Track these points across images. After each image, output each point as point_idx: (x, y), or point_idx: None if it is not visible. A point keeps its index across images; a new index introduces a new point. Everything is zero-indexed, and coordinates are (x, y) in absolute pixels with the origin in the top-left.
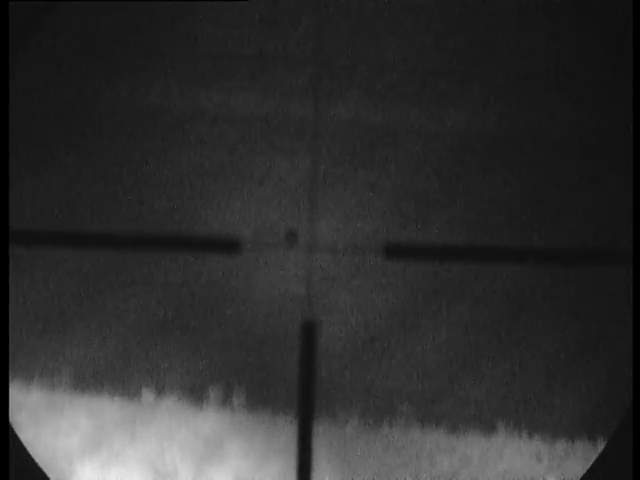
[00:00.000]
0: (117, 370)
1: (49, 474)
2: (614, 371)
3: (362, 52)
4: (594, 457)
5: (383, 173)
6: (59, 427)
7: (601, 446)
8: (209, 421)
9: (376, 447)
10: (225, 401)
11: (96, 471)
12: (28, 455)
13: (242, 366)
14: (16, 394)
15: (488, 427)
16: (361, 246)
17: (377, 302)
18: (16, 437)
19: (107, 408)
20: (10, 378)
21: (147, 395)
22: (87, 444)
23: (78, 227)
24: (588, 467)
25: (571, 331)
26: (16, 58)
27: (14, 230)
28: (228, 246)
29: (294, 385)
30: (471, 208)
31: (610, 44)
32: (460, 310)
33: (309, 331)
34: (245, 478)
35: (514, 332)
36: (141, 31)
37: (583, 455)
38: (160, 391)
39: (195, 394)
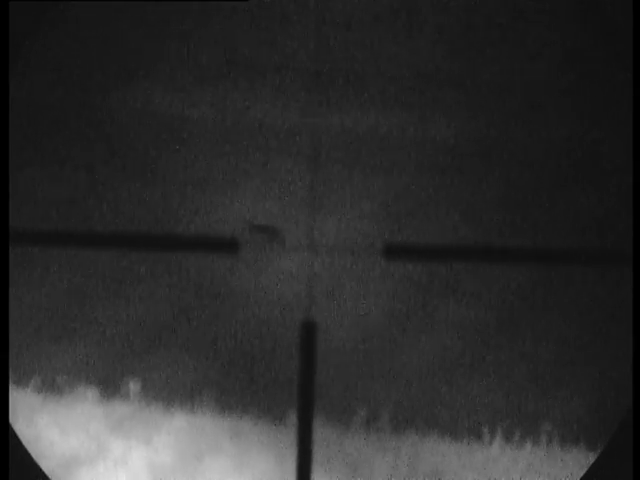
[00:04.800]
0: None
1: None
2: (613, 371)
3: (360, 60)
4: (594, 457)
5: (382, 175)
6: (151, 441)
7: (600, 446)
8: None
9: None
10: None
11: None
12: (31, 459)
13: (241, 368)
14: (104, 408)
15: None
16: (360, 247)
17: (377, 301)
18: (15, 438)
19: (208, 423)
20: (101, 393)
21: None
22: (183, 462)
23: (76, 227)
24: (588, 467)
25: (572, 330)
26: (14, 62)
27: (14, 229)
28: (227, 246)
29: (294, 385)
30: (469, 209)
31: (609, 46)
32: (461, 309)
33: (309, 331)
34: None
35: (514, 331)
36: (138, 36)
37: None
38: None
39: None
